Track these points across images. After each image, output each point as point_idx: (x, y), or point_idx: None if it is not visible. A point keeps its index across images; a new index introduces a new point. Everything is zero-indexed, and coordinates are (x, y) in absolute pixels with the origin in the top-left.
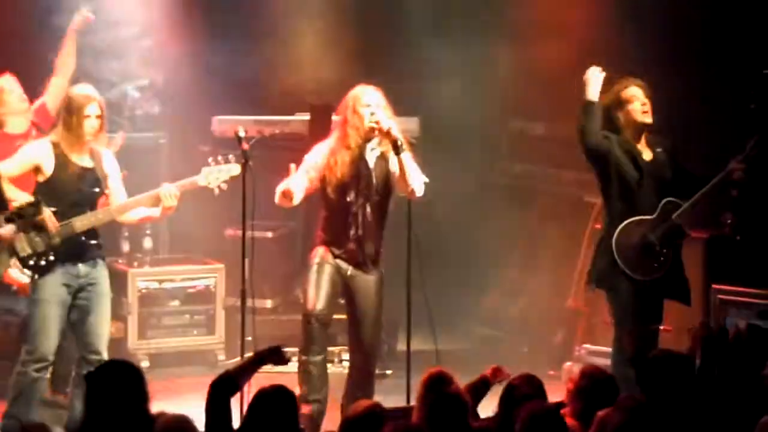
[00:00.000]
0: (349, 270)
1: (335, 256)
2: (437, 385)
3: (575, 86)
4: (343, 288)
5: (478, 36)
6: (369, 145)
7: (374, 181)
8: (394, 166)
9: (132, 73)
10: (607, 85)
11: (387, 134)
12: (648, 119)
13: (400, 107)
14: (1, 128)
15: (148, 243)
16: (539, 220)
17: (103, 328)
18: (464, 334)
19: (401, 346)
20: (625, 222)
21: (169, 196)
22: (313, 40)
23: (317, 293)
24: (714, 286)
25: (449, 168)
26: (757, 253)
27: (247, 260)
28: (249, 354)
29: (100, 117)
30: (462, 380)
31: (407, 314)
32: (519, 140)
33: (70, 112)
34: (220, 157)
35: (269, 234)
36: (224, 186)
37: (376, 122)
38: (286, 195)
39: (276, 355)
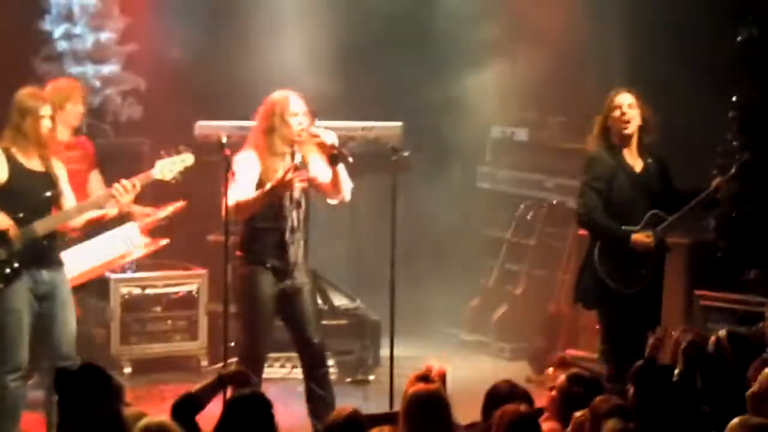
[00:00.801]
0: (280, 283)
1: (270, 272)
2: (418, 386)
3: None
4: (277, 304)
5: (463, 43)
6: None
7: (301, 186)
8: (314, 171)
9: (114, 78)
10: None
11: (330, 148)
12: (627, 130)
13: (384, 112)
14: None
15: None
16: (522, 225)
17: (70, 335)
18: (447, 339)
19: (384, 352)
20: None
21: (122, 193)
22: (297, 47)
23: (257, 337)
24: (696, 292)
25: (433, 173)
26: (739, 259)
27: (229, 266)
28: (231, 360)
29: (52, 118)
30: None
31: (390, 320)
32: (502, 146)
33: (24, 114)
34: (172, 149)
35: None
36: (179, 176)
37: (316, 135)
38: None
39: (239, 379)
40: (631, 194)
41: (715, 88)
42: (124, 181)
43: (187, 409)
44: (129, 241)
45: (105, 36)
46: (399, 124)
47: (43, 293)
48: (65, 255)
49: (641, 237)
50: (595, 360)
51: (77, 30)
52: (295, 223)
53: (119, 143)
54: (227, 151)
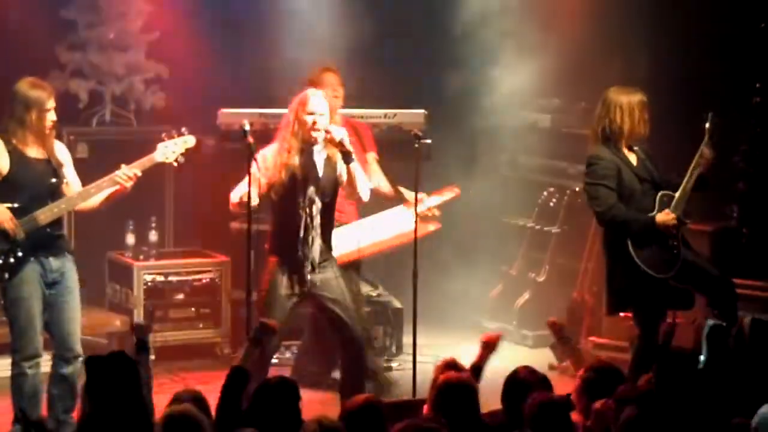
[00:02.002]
0: (301, 279)
1: (288, 267)
2: (448, 374)
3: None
4: (302, 298)
5: (485, 30)
6: (316, 148)
7: (322, 183)
8: (341, 169)
9: (138, 66)
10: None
11: (339, 145)
12: (646, 131)
13: (407, 99)
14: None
15: (153, 236)
16: (545, 212)
17: (75, 325)
18: (469, 327)
19: (407, 339)
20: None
21: (125, 178)
22: (319, 32)
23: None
24: None
25: (457, 161)
26: (763, 246)
27: (252, 253)
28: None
29: (56, 109)
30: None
31: (413, 307)
32: (525, 133)
33: (29, 107)
34: (174, 132)
35: None
36: (182, 159)
37: (327, 132)
38: (242, 203)
39: (266, 332)
40: (638, 186)
41: (739, 75)
42: (125, 168)
43: (238, 381)
44: (401, 224)
45: (128, 24)
46: (422, 111)
47: (53, 280)
48: (343, 230)
49: (663, 216)
50: (624, 347)
51: (101, 18)
52: (309, 221)
53: (142, 131)
54: (250, 139)
